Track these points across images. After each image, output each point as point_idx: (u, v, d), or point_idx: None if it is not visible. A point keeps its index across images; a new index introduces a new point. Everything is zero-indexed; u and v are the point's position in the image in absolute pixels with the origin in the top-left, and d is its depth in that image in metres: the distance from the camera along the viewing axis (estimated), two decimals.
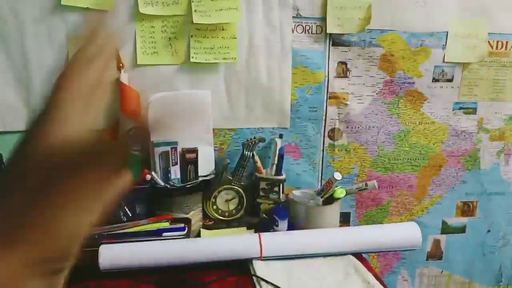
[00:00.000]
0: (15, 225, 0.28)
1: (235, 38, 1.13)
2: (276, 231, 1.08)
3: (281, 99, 1.21)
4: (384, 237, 1.01)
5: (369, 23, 1.18)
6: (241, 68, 1.17)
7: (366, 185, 1.12)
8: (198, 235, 1.10)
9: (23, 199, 0.29)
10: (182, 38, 1.12)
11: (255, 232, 1.08)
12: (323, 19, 1.17)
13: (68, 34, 1.08)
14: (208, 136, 1.16)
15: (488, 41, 1.26)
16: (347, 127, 1.27)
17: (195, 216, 1.10)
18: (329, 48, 1.21)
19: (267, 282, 0.88)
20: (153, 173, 1.07)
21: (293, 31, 1.17)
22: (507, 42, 1.28)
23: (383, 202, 1.35)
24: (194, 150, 1.11)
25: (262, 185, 1.17)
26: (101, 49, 0.35)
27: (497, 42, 1.27)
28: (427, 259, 1.42)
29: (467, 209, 1.40)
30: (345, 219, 1.33)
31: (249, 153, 1.16)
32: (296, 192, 1.19)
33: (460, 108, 1.32)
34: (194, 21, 1.09)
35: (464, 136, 1.34)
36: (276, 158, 1.17)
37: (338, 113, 1.26)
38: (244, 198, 1.17)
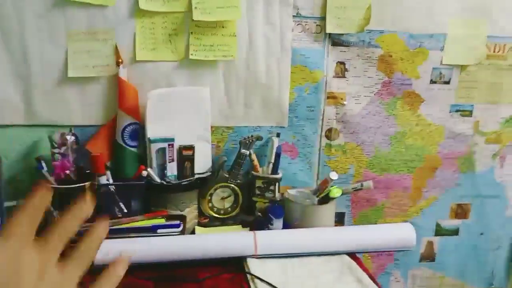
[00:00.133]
0: None
1: (235, 36, 1.13)
2: (271, 229, 1.08)
3: (279, 98, 1.21)
4: (378, 237, 1.02)
5: (369, 24, 1.18)
6: (240, 66, 1.16)
7: (362, 185, 1.12)
8: (193, 232, 1.10)
9: None
10: (181, 34, 1.11)
11: (250, 230, 1.09)
12: (323, 18, 1.17)
13: (68, 30, 1.07)
14: (205, 133, 1.16)
15: (486, 44, 1.27)
16: (344, 127, 1.27)
17: (191, 213, 1.10)
18: (328, 47, 1.21)
19: (261, 280, 0.88)
20: (149, 169, 1.07)
21: (292, 30, 1.17)
22: (504, 45, 1.28)
23: (378, 203, 1.35)
24: (191, 147, 1.11)
25: (258, 183, 1.17)
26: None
27: (495, 45, 1.28)
28: (420, 261, 1.43)
29: (461, 212, 1.41)
30: (339, 219, 1.34)
31: (246, 151, 1.16)
32: (292, 191, 1.19)
33: (457, 111, 1.32)
34: (194, 18, 1.08)
35: (460, 138, 1.34)
36: (273, 157, 1.17)
37: (336, 113, 1.26)
38: (240, 196, 1.17)
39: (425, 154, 1.34)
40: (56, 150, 1.03)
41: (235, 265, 0.94)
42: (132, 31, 1.10)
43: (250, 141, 1.16)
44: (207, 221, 1.15)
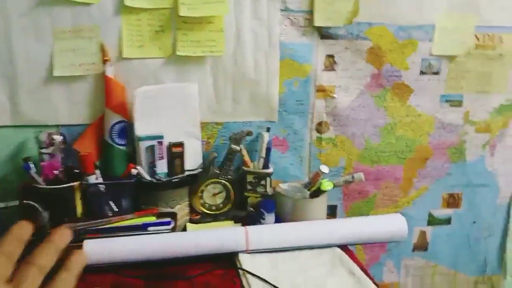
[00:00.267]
0: None
1: (222, 31, 1.12)
2: (263, 224, 1.08)
3: (268, 93, 1.20)
4: (370, 229, 1.02)
5: (357, 16, 1.17)
6: (229, 61, 1.16)
7: (353, 177, 1.12)
8: (185, 229, 1.10)
9: None
10: (168, 31, 1.10)
11: (243, 226, 1.09)
12: (311, 12, 1.17)
13: (53, 28, 1.06)
14: (195, 129, 1.15)
15: (475, 34, 1.27)
16: (334, 120, 1.27)
17: (182, 210, 1.10)
18: (317, 41, 1.20)
19: (253, 275, 0.88)
20: (138, 167, 1.06)
21: (280, 24, 1.16)
22: (493, 35, 1.28)
23: (370, 195, 1.36)
24: (181, 144, 1.10)
25: (249, 178, 1.17)
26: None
27: (484, 35, 1.28)
28: (413, 251, 1.44)
29: (452, 201, 1.42)
30: (332, 212, 1.34)
31: (236, 146, 1.15)
32: (283, 186, 1.19)
33: (447, 101, 1.32)
34: (181, 14, 1.07)
35: (450, 128, 1.35)
36: (264, 151, 1.17)
37: (326, 106, 1.26)
38: (231, 191, 1.17)
39: (416, 145, 1.34)
40: (43, 150, 1.02)
41: (226, 261, 0.94)
42: (118, 29, 1.08)
43: (240, 136, 1.16)
44: (199, 217, 1.15)
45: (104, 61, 1.07)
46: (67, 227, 0.40)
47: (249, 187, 1.17)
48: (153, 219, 1.00)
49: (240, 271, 0.90)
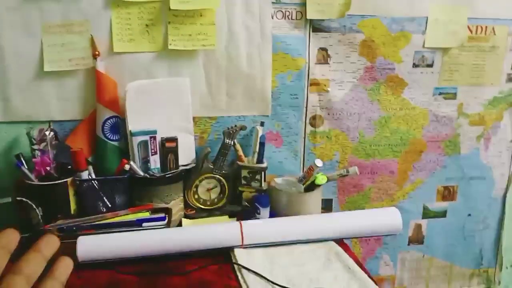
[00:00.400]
0: None
1: (214, 24, 1.11)
2: (258, 219, 1.08)
3: (262, 87, 1.20)
4: (365, 222, 1.02)
5: (349, 9, 1.17)
6: (221, 55, 1.15)
7: (347, 171, 1.12)
8: (180, 224, 1.09)
9: None
10: (159, 24, 1.09)
11: (237, 220, 1.08)
12: (303, 4, 1.16)
13: (42, 23, 1.05)
14: (188, 124, 1.14)
15: (468, 26, 1.27)
16: (328, 114, 1.27)
17: (176, 205, 1.09)
18: (309, 34, 1.20)
19: (248, 269, 0.87)
20: (132, 162, 1.05)
21: (272, 17, 1.16)
22: (486, 27, 1.28)
23: (365, 188, 1.36)
24: (174, 139, 1.09)
25: (244, 173, 1.16)
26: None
27: (477, 27, 1.28)
28: (408, 244, 1.44)
29: (447, 194, 1.42)
30: (327, 206, 1.34)
31: (230, 141, 1.15)
32: (278, 180, 1.19)
33: (440, 94, 1.32)
34: (172, 7, 1.06)
35: (445, 121, 1.35)
36: (258, 146, 1.17)
37: (319, 100, 1.25)
38: (226, 186, 1.16)
39: (410, 138, 1.34)
40: (35, 147, 1.01)
41: (222, 256, 0.94)
42: (108, 23, 1.07)
43: (234, 131, 1.15)
44: (194, 212, 1.14)
45: (95, 56, 1.06)
46: (55, 234, 0.40)
47: (243, 181, 1.17)
48: (147, 214, 1.00)
49: (235, 266, 0.90)
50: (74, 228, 0.94)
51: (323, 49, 1.21)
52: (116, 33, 1.08)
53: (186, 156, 1.13)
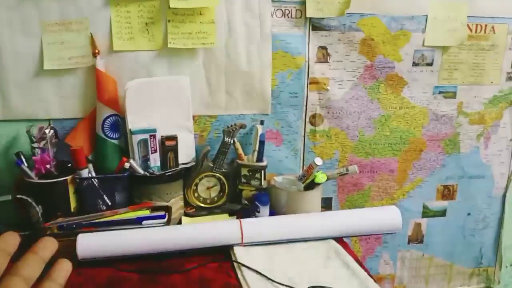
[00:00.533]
0: None
1: (214, 22, 1.11)
2: (258, 217, 1.07)
3: (261, 85, 1.20)
4: (364, 221, 1.02)
5: (349, 7, 1.17)
6: (221, 53, 1.15)
7: (347, 170, 1.12)
8: (180, 223, 1.09)
9: None
10: (159, 23, 1.09)
11: (237, 219, 1.08)
12: (303, 3, 1.16)
13: (41, 21, 1.05)
14: (187, 123, 1.14)
15: (468, 25, 1.27)
16: (328, 113, 1.27)
17: (176, 204, 1.09)
18: (309, 32, 1.20)
19: (248, 267, 0.87)
20: (132, 161, 1.05)
21: (272, 16, 1.16)
22: (486, 26, 1.28)
23: (365, 187, 1.36)
24: (174, 137, 1.09)
25: (244, 172, 1.16)
26: None
27: (476, 25, 1.28)
28: (408, 243, 1.44)
29: (447, 193, 1.42)
30: (327, 204, 1.34)
31: (230, 139, 1.15)
32: (278, 178, 1.19)
33: (440, 92, 1.32)
34: (171, 6, 1.06)
35: (444, 120, 1.35)
36: (257, 144, 1.17)
37: (319, 99, 1.25)
38: (226, 185, 1.16)
39: (410, 137, 1.34)
40: (35, 145, 1.01)
41: (221, 254, 0.94)
42: (107, 21, 1.07)
43: (234, 129, 1.15)
44: (194, 211, 1.15)
45: (94, 54, 1.06)
46: (53, 234, 0.40)
47: (243, 180, 1.17)
48: (147, 213, 1.00)
49: (235, 264, 0.90)
50: (74, 226, 0.94)
51: (323, 48, 1.22)
52: (116, 31, 1.08)
53: (186, 154, 1.14)
